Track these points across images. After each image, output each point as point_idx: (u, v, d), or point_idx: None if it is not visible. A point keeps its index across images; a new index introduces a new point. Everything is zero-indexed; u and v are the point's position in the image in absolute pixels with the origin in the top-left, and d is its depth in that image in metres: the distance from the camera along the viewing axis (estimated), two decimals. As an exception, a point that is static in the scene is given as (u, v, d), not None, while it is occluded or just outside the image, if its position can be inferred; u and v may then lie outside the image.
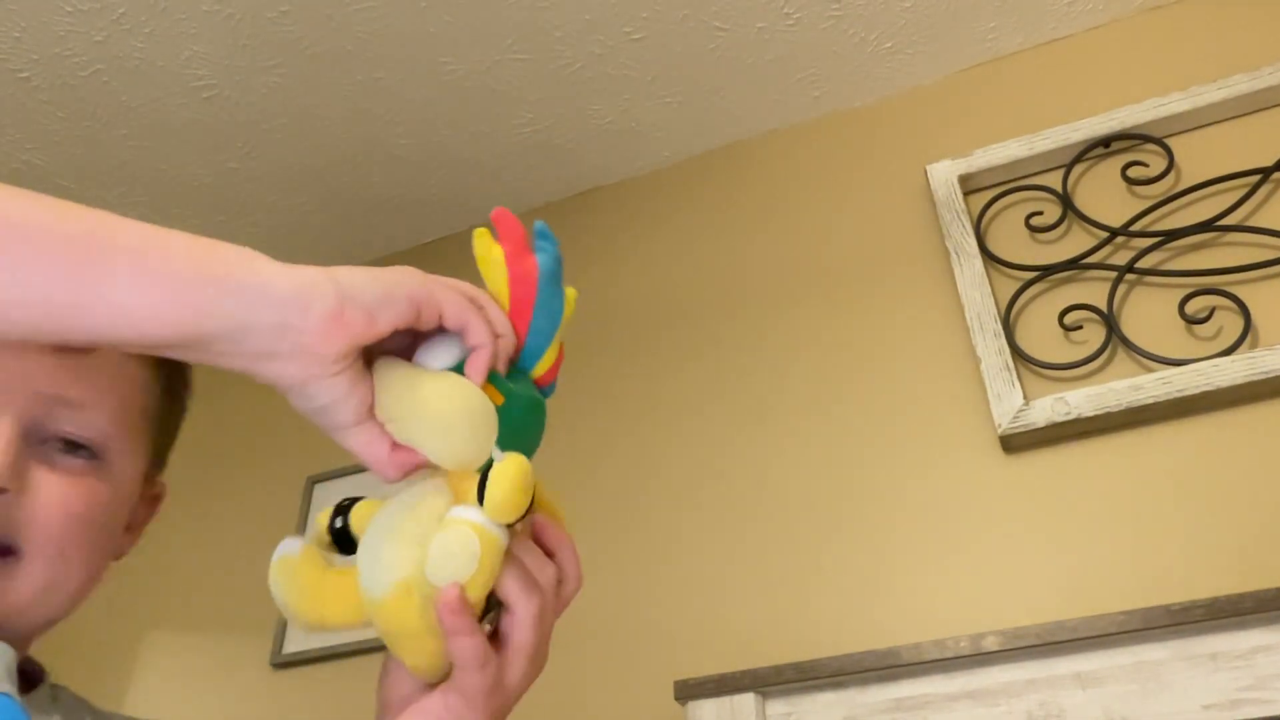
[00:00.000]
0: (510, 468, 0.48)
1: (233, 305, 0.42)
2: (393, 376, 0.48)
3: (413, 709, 0.50)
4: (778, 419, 1.43)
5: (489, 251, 0.52)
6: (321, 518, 0.54)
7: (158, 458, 0.68)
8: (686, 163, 1.79)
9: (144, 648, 1.65)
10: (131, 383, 0.63)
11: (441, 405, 0.47)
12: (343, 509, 0.54)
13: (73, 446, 0.58)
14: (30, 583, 0.55)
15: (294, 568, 0.51)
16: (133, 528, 0.68)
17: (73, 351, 0.58)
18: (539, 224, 0.53)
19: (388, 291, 0.46)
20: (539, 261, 0.52)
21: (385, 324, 0.46)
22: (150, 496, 0.70)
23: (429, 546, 0.46)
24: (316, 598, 0.51)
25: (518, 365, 0.53)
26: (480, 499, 0.47)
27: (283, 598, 0.51)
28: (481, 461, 0.49)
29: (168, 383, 0.67)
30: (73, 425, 0.58)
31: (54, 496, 0.56)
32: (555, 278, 0.53)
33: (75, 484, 0.58)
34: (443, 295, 0.49)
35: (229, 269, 0.42)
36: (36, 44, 1.52)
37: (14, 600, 0.55)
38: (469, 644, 0.47)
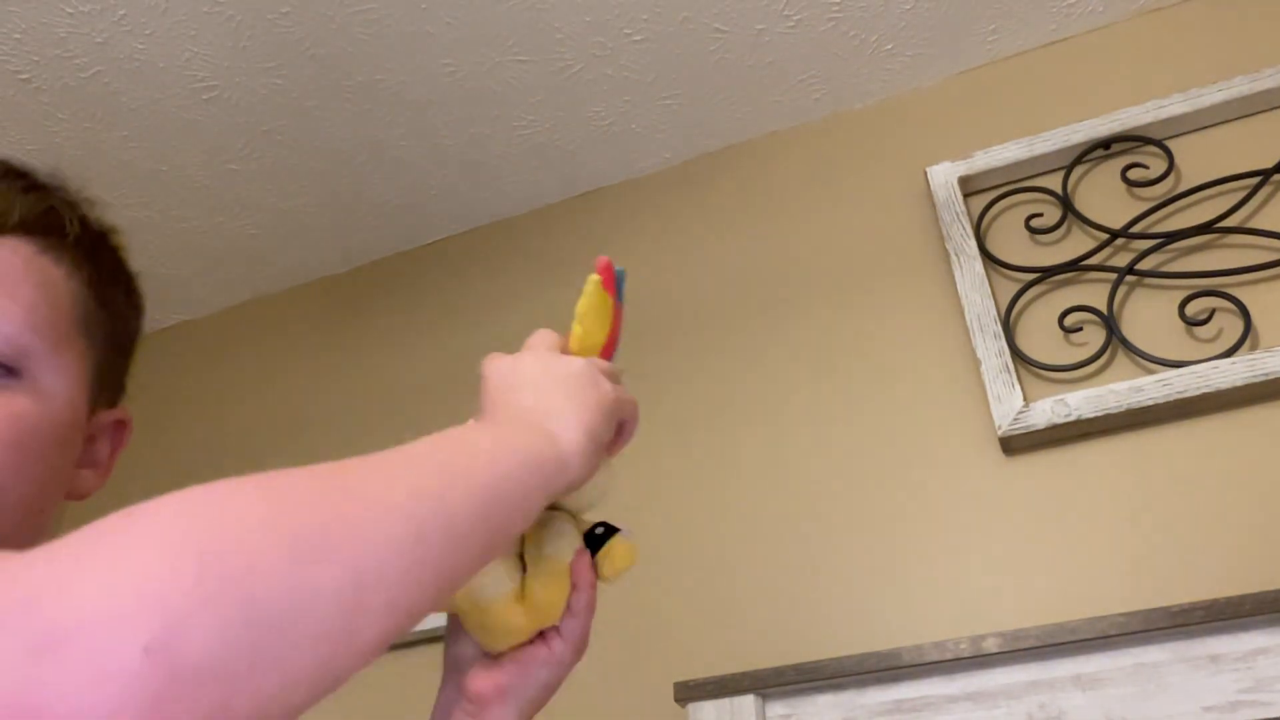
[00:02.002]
0: (629, 555, 0.63)
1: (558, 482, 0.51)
2: None
3: (528, 659, 0.60)
4: (778, 421, 1.43)
5: (604, 299, 0.64)
6: None
7: (106, 379, 0.61)
8: (687, 164, 1.79)
9: (143, 649, 1.65)
10: (46, 285, 0.56)
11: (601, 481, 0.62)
12: None
13: None
14: None
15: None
16: (96, 464, 0.62)
17: None
18: (620, 270, 0.66)
19: (609, 425, 0.57)
20: (622, 310, 0.68)
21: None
22: (111, 426, 0.63)
23: (546, 533, 0.61)
24: None
25: None
26: (587, 539, 0.62)
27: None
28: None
29: (97, 287, 0.60)
30: None
31: None
32: None
33: None
34: (625, 404, 0.60)
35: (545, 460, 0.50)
36: (37, 45, 1.52)
37: None
38: (589, 596, 0.61)
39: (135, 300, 0.66)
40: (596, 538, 0.61)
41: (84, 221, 0.61)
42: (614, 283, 0.65)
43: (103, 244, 0.63)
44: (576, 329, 0.63)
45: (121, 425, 0.65)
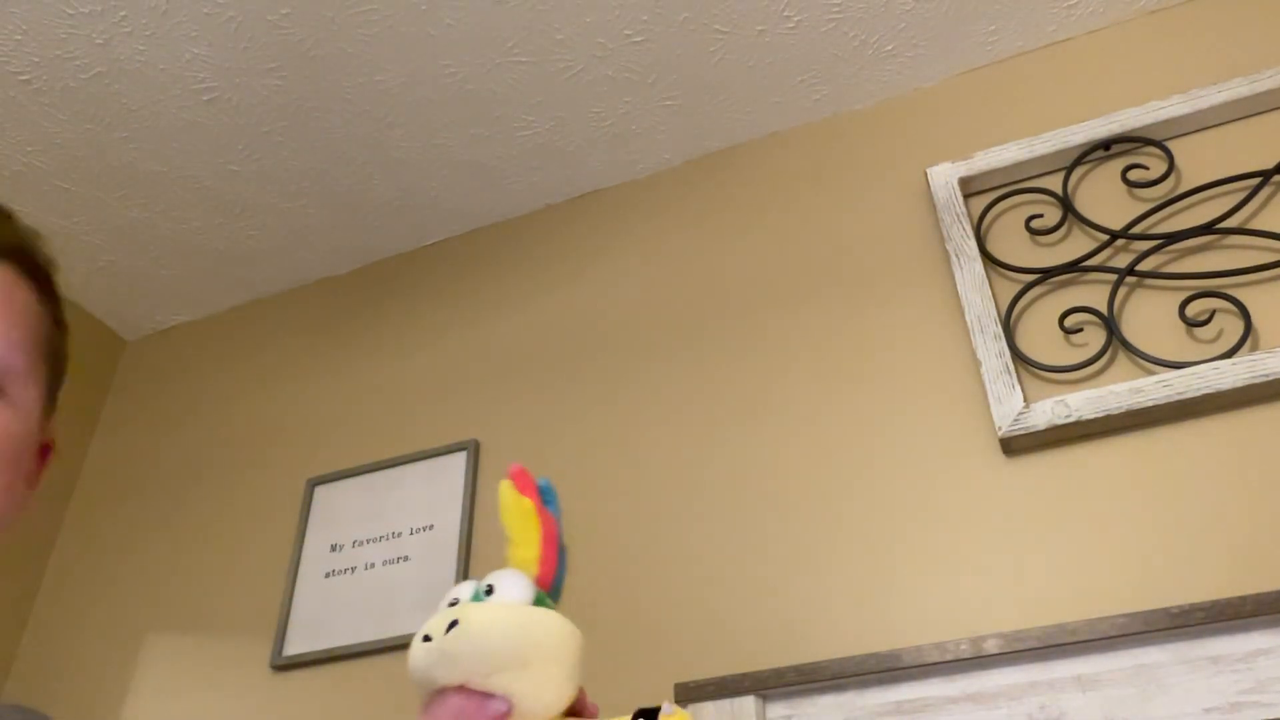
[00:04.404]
0: None
1: None
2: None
3: None
4: (779, 421, 1.43)
5: (519, 502, 0.58)
6: None
7: (51, 397, 0.64)
8: (687, 165, 1.79)
9: (144, 649, 1.65)
10: (25, 309, 0.60)
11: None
12: None
13: None
14: None
15: None
16: (30, 479, 0.63)
17: None
18: (544, 482, 0.61)
19: None
20: (556, 521, 0.60)
21: None
22: (41, 446, 0.65)
23: None
24: None
25: (551, 596, 0.59)
26: None
27: None
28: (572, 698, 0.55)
29: (55, 313, 0.64)
30: None
31: None
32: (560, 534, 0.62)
33: None
34: None
35: None
36: (38, 47, 1.52)
37: None
38: None
39: (66, 325, 0.70)
40: None
41: (44, 251, 0.65)
42: (533, 489, 0.60)
43: (54, 272, 0.66)
44: (508, 547, 0.58)
45: (47, 448, 0.67)
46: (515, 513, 0.58)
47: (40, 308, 0.62)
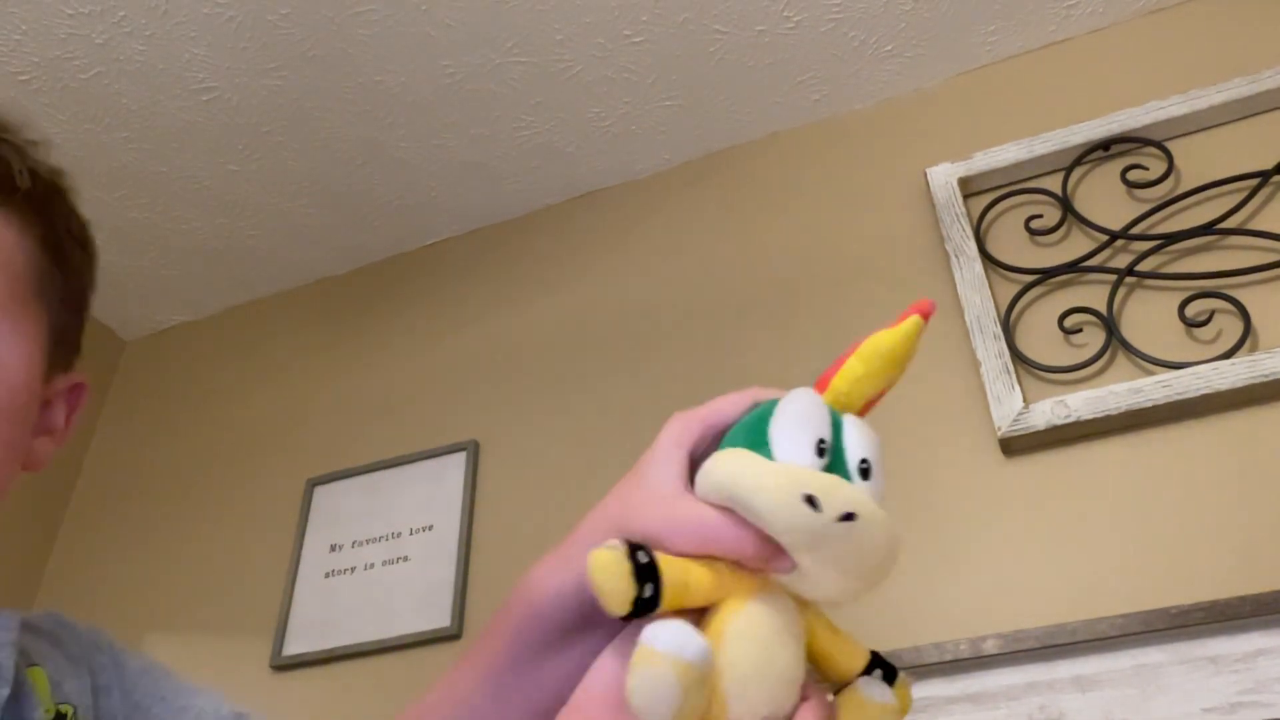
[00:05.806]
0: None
1: None
2: None
3: None
4: (778, 421, 1.43)
5: (913, 347, 0.50)
6: (625, 580, 0.40)
7: (62, 342, 0.57)
8: (686, 166, 1.79)
9: (143, 649, 1.65)
10: (2, 251, 0.51)
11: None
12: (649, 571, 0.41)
13: None
14: None
15: (699, 680, 0.39)
16: (51, 431, 0.58)
17: None
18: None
19: None
20: None
21: None
22: (67, 391, 0.59)
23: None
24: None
25: None
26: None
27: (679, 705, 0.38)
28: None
29: (53, 248, 0.55)
30: None
31: None
32: None
33: None
34: None
35: None
36: (37, 47, 1.52)
37: None
38: None
39: (90, 251, 0.61)
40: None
41: (34, 172, 0.55)
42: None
43: (55, 194, 0.57)
44: (856, 366, 0.48)
45: (78, 389, 0.60)
46: (898, 356, 0.49)
47: (25, 241, 0.53)
